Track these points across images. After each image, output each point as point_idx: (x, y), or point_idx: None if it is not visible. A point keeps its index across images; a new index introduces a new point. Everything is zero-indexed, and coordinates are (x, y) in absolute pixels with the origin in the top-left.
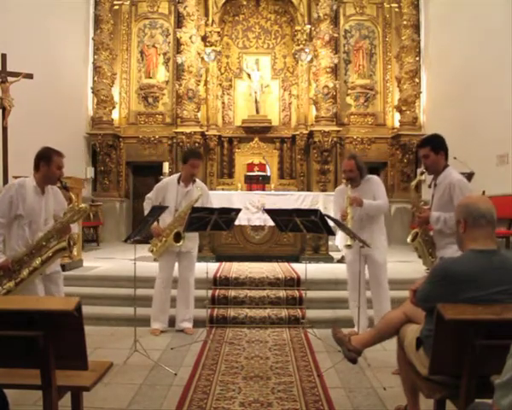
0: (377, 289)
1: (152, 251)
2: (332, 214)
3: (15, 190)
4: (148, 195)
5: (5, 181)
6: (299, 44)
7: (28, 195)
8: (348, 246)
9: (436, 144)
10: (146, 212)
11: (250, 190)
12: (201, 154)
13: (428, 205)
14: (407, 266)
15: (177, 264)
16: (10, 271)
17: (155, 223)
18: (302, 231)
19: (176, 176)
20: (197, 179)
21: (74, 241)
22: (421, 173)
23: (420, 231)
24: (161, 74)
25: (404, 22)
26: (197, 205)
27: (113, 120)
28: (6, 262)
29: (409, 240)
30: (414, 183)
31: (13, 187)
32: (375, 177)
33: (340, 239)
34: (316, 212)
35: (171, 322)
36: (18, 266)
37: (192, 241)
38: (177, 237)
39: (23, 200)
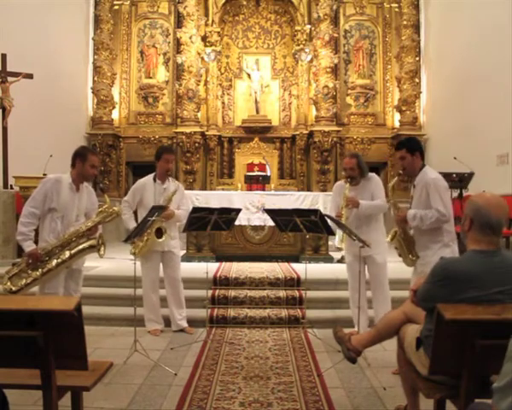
0: (378, 290)
1: (134, 253)
2: (328, 211)
3: (51, 185)
4: (125, 198)
5: (5, 181)
6: (299, 44)
7: (63, 190)
8: (339, 249)
9: (411, 146)
10: (124, 216)
11: (250, 190)
12: (174, 149)
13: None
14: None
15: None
16: (38, 260)
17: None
18: (302, 231)
19: (151, 175)
20: (170, 178)
21: (103, 240)
22: (398, 175)
23: (399, 230)
24: (161, 74)
25: (404, 22)
26: (174, 202)
27: (113, 120)
28: (35, 250)
29: (388, 239)
30: (391, 183)
31: (49, 181)
32: (374, 175)
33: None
34: (316, 212)
35: (168, 322)
36: (47, 257)
37: (175, 240)
38: (159, 233)
39: (57, 194)
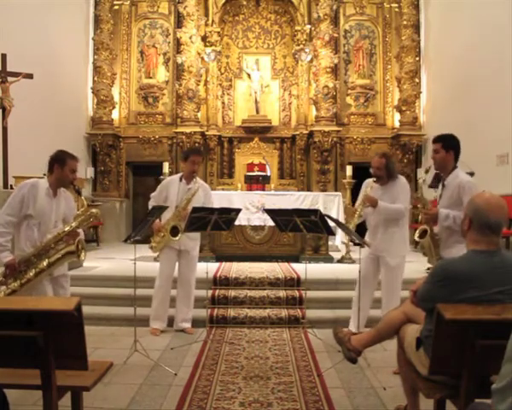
0: (388, 293)
1: (151, 247)
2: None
3: (28, 190)
4: (153, 194)
5: (5, 181)
6: (299, 44)
7: (40, 196)
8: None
9: (448, 143)
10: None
11: (250, 190)
12: (201, 151)
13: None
14: (407, 266)
15: (177, 264)
16: (16, 270)
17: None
18: (302, 231)
19: (178, 175)
20: (198, 178)
21: (83, 245)
22: (426, 171)
23: (429, 228)
24: (161, 74)
25: (404, 22)
26: (198, 204)
27: (113, 120)
28: (13, 261)
29: (416, 236)
30: (423, 179)
31: (25, 186)
32: (402, 179)
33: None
34: (316, 212)
35: (170, 322)
36: (25, 267)
37: (193, 240)
38: (175, 232)
39: (34, 200)
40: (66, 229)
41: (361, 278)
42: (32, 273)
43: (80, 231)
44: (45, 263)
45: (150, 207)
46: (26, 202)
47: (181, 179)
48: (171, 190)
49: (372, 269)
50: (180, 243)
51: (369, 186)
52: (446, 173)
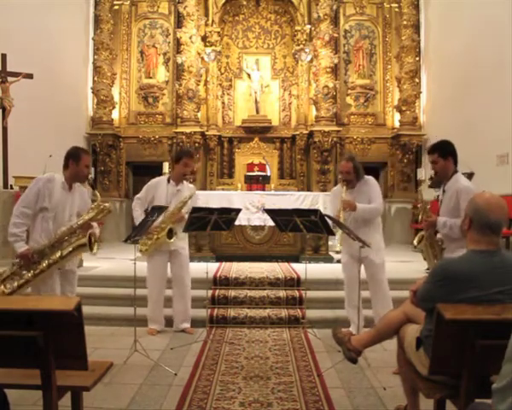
0: (377, 290)
1: (141, 251)
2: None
3: (43, 184)
4: (138, 195)
5: (5, 181)
6: (299, 44)
7: (55, 189)
8: (338, 252)
9: (444, 150)
10: (135, 213)
11: (250, 190)
12: (194, 153)
13: (429, 205)
14: (407, 266)
15: (169, 265)
16: (30, 261)
17: None
18: (302, 231)
19: (166, 176)
20: (185, 182)
21: (95, 238)
22: (430, 178)
23: (426, 234)
24: (161, 74)
25: (404, 22)
26: (186, 205)
27: (113, 120)
28: (27, 251)
29: (415, 242)
30: (421, 188)
31: (41, 180)
32: (371, 178)
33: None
34: (316, 212)
35: (169, 322)
36: (38, 258)
37: (182, 240)
38: (170, 234)
39: (50, 193)
40: (80, 222)
41: (349, 280)
42: (45, 264)
43: (95, 224)
44: (58, 255)
45: (135, 209)
46: (41, 196)
47: (169, 181)
48: (159, 192)
49: (356, 270)
50: (171, 244)
51: (342, 193)
52: (447, 179)
